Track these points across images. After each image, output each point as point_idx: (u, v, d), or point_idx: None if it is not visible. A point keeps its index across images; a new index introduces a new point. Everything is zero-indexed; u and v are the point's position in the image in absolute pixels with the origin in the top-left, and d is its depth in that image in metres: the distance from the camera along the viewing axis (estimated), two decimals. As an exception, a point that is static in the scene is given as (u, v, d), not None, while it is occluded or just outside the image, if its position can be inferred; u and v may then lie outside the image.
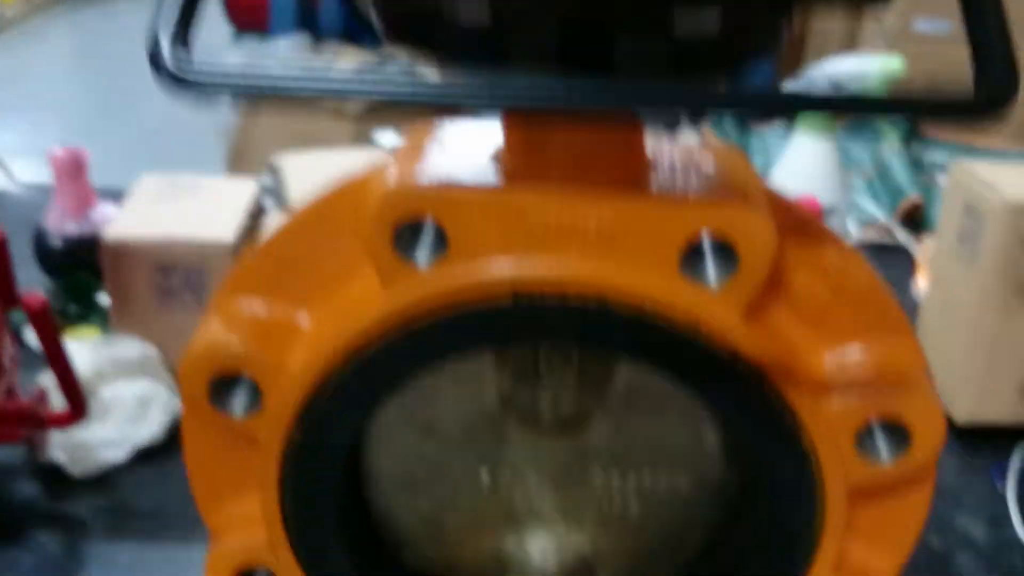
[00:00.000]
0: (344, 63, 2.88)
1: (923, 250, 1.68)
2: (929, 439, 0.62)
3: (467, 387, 0.69)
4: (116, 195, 1.47)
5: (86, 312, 1.53)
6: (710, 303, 0.58)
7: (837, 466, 0.63)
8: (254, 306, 0.64)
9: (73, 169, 1.54)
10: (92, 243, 1.43)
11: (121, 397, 1.34)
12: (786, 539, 0.67)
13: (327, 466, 0.66)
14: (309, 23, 3.13)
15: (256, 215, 1.39)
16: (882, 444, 0.63)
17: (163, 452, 1.33)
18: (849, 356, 0.62)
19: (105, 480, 1.30)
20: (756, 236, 0.57)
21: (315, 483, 0.67)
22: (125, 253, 1.31)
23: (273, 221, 1.31)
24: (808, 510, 0.65)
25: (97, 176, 1.58)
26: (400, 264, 0.58)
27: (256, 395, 0.64)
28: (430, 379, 0.68)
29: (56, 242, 1.54)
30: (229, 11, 3.99)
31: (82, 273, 1.53)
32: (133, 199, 1.40)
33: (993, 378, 1.28)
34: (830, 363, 0.62)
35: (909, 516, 0.69)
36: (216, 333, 0.63)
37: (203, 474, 0.71)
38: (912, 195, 1.75)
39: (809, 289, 0.62)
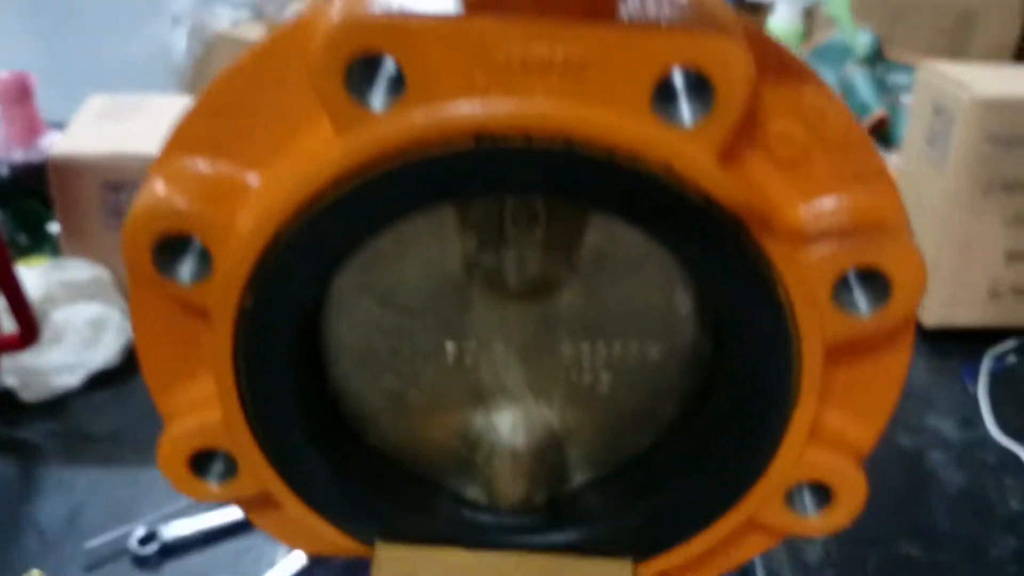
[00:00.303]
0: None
1: (889, 165, 1.66)
2: (908, 289, 0.59)
3: (429, 251, 0.66)
4: (63, 127, 1.43)
5: (36, 242, 1.49)
6: (683, 143, 0.55)
7: (814, 320, 0.61)
8: (198, 165, 0.60)
9: (19, 94, 1.48)
10: (41, 171, 1.38)
11: (73, 321, 1.30)
12: (761, 404, 0.64)
13: (283, 336, 0.63)
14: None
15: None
16: (860, 294, 0.60)
17: (118, 376, 1.30)
18: (826, 204, 0.60)
19: (58, 405, 1.26)
20: (733, 68, 0.53)
21: (271, 355, 0.63)
22: (72, 170, 1.26)
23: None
24: (783, 368, 0.62)
25: (45, 109, 1.53)
26: (353, 108, 0.55)
27: (205, 259, 0.60)
28: (390, 242, 0.65)
29: (2, 169, 1.49)
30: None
31: (31, 201, 1.48)
32: (79, 118, 1.35)
33: (962, 281, 1.27)
34: (807, 212, 0.60)
35: (886, 380, 0.67)
36: (159, 192, 0.59)
37: (153, 354, 0.67)
38: (878, 111, 1.73)
39: (787, 134, 0.59)
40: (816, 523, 0.70)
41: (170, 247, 0.60)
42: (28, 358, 1.24)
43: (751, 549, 0.75)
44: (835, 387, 0.66)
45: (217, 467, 0.69)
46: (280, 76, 0.58)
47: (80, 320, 1.30)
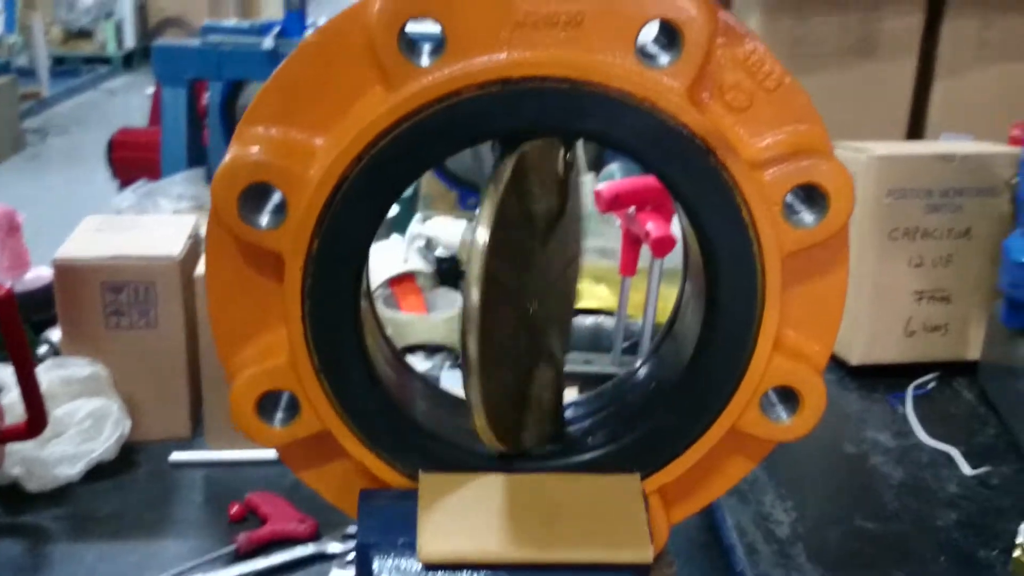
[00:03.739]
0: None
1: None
2: (842, 199, 0.76)
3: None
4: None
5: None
6: (661, 81, 0.72)
7: (772, 234, 0.76)
8: (273, 131, 0.74)
9: (7, 226, 1.60)
10: (29, 300, 1.49)
11: (74, 415, 1.37)
12: (734, 314, 0.78)
13: (346, 276, 0.75)
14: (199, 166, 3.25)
15: (197, 241, 1.48)
16: (805, 207, 0.76)
17: (116, 467, 1.36)
18: (771, 138, 0.76)
19: (61, 493, 1.32)
20: (698, 20, 0.71)
21: (335, 294, 0.76)
22: (75, 272, 1.37)
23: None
24: (751, 279, 0.77)
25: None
26: (406, 64, 0.70)
27: (281, 209, 0.73)
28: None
29: (-8, 298, 1.58)
30: (116, 168, 4.06)
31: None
32: (78, 233, 1.47)
33: (879, 322, 1.45)
34: (756, 145, 0.76)
35: (830, 300, 0.82)
36: (242, 151, 0.73)
37: (224, 315, 0.79)
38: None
39: (737, 84, 0.76)
40: (788, 427, 0.82)
41: (252, 197, 0.73)
42: (32, 449, 1.31)
43: (737, 471, 0.87)
44: (790, 308, 0.81)
45: (281, 410, 0.79)
46: (336, 54, 0.73)
47: (80, 414, 1.37)
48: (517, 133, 0.74)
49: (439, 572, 0.75)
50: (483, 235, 0.71)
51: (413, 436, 0.81)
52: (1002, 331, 1.35)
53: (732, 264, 0.77)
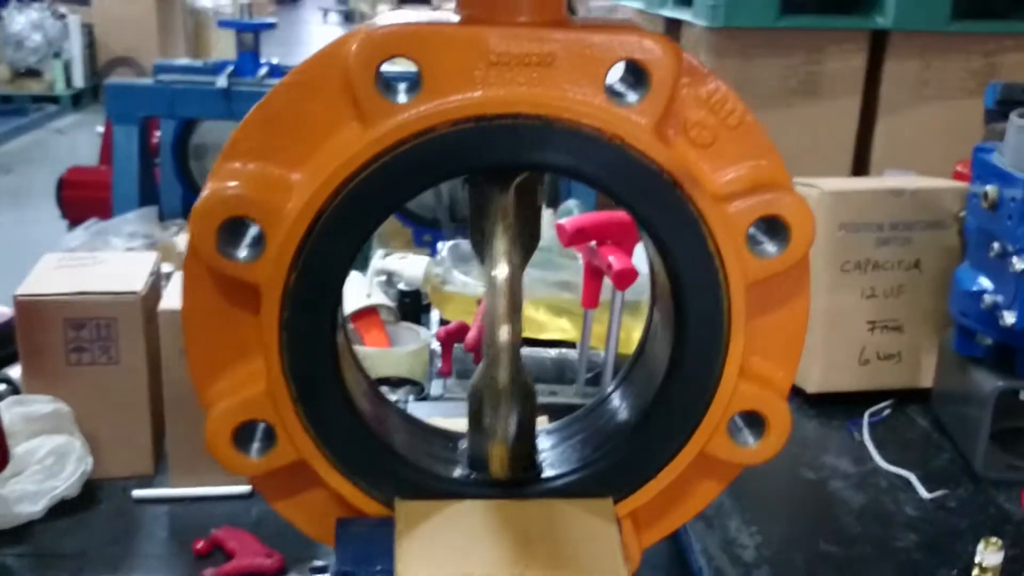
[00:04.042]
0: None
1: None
2: (803, 230, 0.79)
3: None
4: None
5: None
6: (629, 118, 0.74)
7: (737, 264, 0.79)
8: (251, 167, 0.76)
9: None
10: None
11: (36, 452, 1.37)
12: (699, 341, 0.81)
13: (323, 307, 0.77)
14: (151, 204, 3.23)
15: (159, 277, 1.48)
16: (767, 238, 0.79)
17: (79, 503, 1.35)
18: (734, 173, 0.79)
19: (23, 531, 1.31)
20: (664, 60, 0.74)
21: (312, 325, 0.77)
22: (37, 309, 1.36)
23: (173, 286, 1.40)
24: (718, 307, 0.80)
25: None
26: (382, 101, 0.72)
27: (259, 242, 0.75)
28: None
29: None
30: (65, 207, 4.03)
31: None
32: (38, 269, 1.46)
33: (835, 351, 1.48)
34: (720, 179, 0.79)
35: (792, 328, 0.85)
36: (221, 186, 0.74)
37: (200, 345, 0.80)
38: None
39: (700, 122, 0.79)
40: (755, 451, 0.85)
41: (231, 230, 0.74)
42: (-9, 488, 1.30)
43: (705, 495, 0.89)
44: (755, 336, 0.84)
45: (257, 440, 0.80)
46: (314, 92, 0.75)
47: (42, 452, 1.36)
48: (490, 169, 0.76)
49: (418, 598, 0.76)
50: (503, 271, 0.74)
51: (389, 464, 0.82)
52: (953, 359, 1.39)
53: (699, 293, 0.80)
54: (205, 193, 0.75)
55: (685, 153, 0.78)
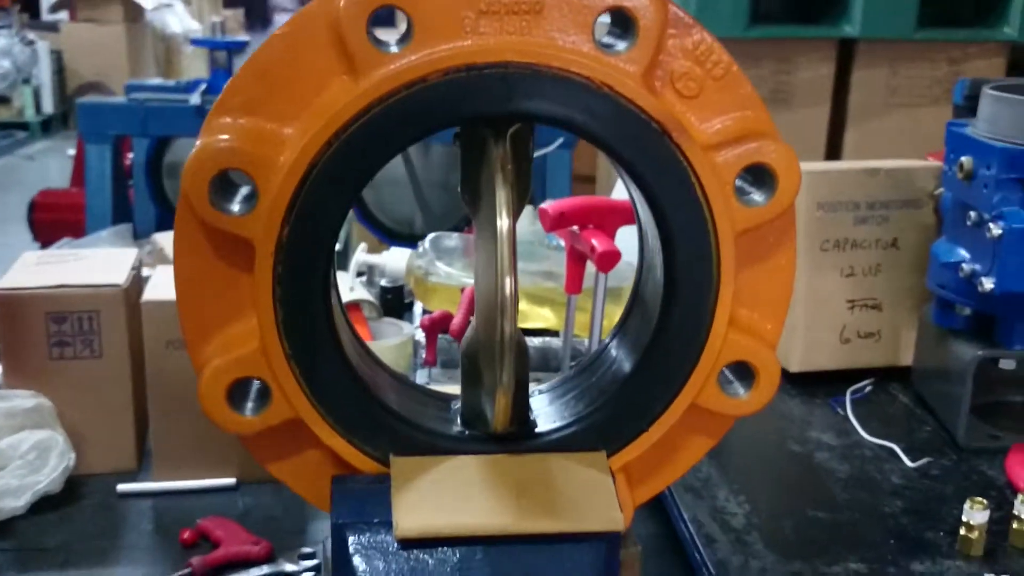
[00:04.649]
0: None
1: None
2: (790, 178, 0.80)
3: None
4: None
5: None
6: (617, 66, 0.75)
7: (725, 211, 0.80)
8: (243, 120, 0.76)
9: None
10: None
11: (18, 447, 1.35)
12: (691, 292, 0.82)
13: (316, 261, 0.77)
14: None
15: (140, 272, 1.47)
16: (755, 188, 0.80)
17: (62, 498, 1.34)
18: (721, 123, 0.80)
19: (6, 526, 1.29)
20: (650, 9, 0.75)
21: (306, 280, 0.77)
22: (18, 303, 1.35)
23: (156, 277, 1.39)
24: (706, 257, 0.81)
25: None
26: (373, 51, 0.73)
27: (251, 196, 0.75)
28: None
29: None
30: (37, 229, 4.00)
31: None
32: (18, 265, 1.45)
33: (816, 330, 1.50)
34: (707, 129, 0.80)
35: (780, 279, 0.86)
36: (213, 139, 0.74)
37: (193, 304, 0.79)
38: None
39: (687, 73, 0.80)
40: (745, 402, 0.86)
41: (223, 184, 0.75)
42: (-26, 483, 1.28)
43: (696, 450, 0.90)
44: (743, 288, 0.84)
45: (252, 398, 0.80)
46: (303, 45, 0.75)
47: (24, 447, 1.35)
48: (481, 118, 0.77)
49: (415, 548, 0.76)
50: (506, 222, 0.74)
51: (384, 421, 0.82)
52: (933, 332, 1.40)
53: (688, 242, 0.80)
54: (197, 146, 0.75)
55: (672, 103, 0.79)
